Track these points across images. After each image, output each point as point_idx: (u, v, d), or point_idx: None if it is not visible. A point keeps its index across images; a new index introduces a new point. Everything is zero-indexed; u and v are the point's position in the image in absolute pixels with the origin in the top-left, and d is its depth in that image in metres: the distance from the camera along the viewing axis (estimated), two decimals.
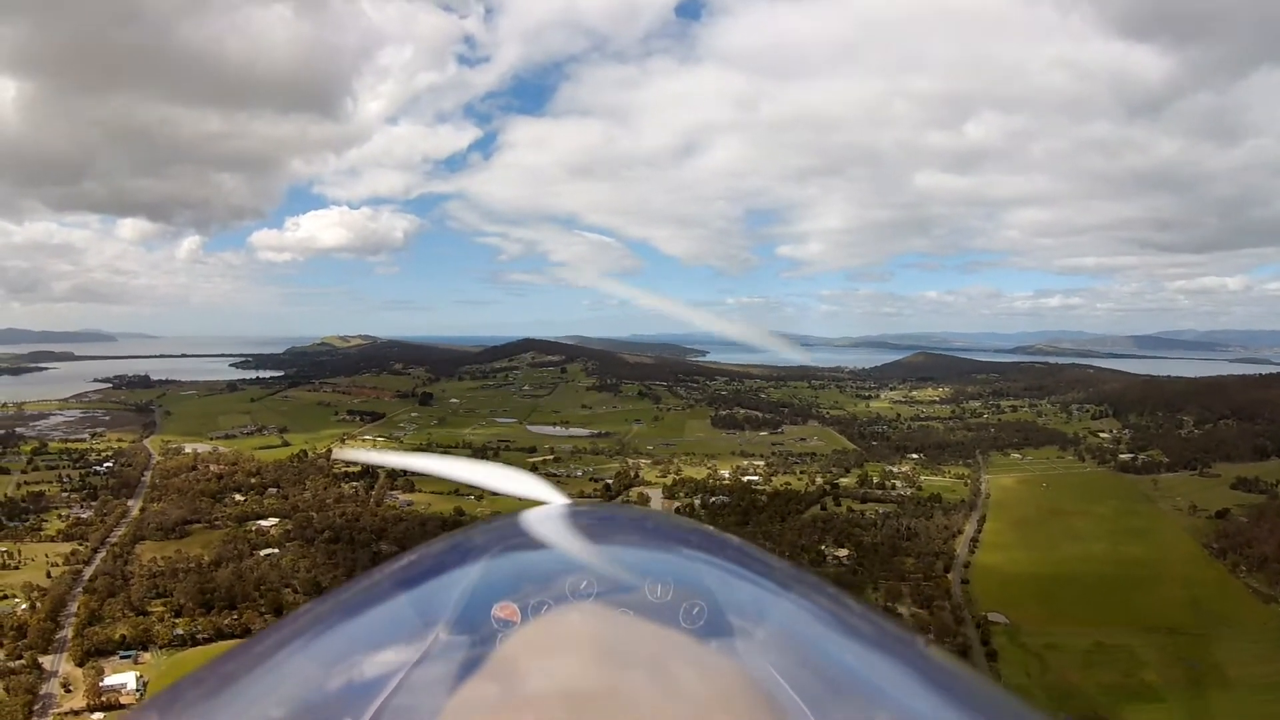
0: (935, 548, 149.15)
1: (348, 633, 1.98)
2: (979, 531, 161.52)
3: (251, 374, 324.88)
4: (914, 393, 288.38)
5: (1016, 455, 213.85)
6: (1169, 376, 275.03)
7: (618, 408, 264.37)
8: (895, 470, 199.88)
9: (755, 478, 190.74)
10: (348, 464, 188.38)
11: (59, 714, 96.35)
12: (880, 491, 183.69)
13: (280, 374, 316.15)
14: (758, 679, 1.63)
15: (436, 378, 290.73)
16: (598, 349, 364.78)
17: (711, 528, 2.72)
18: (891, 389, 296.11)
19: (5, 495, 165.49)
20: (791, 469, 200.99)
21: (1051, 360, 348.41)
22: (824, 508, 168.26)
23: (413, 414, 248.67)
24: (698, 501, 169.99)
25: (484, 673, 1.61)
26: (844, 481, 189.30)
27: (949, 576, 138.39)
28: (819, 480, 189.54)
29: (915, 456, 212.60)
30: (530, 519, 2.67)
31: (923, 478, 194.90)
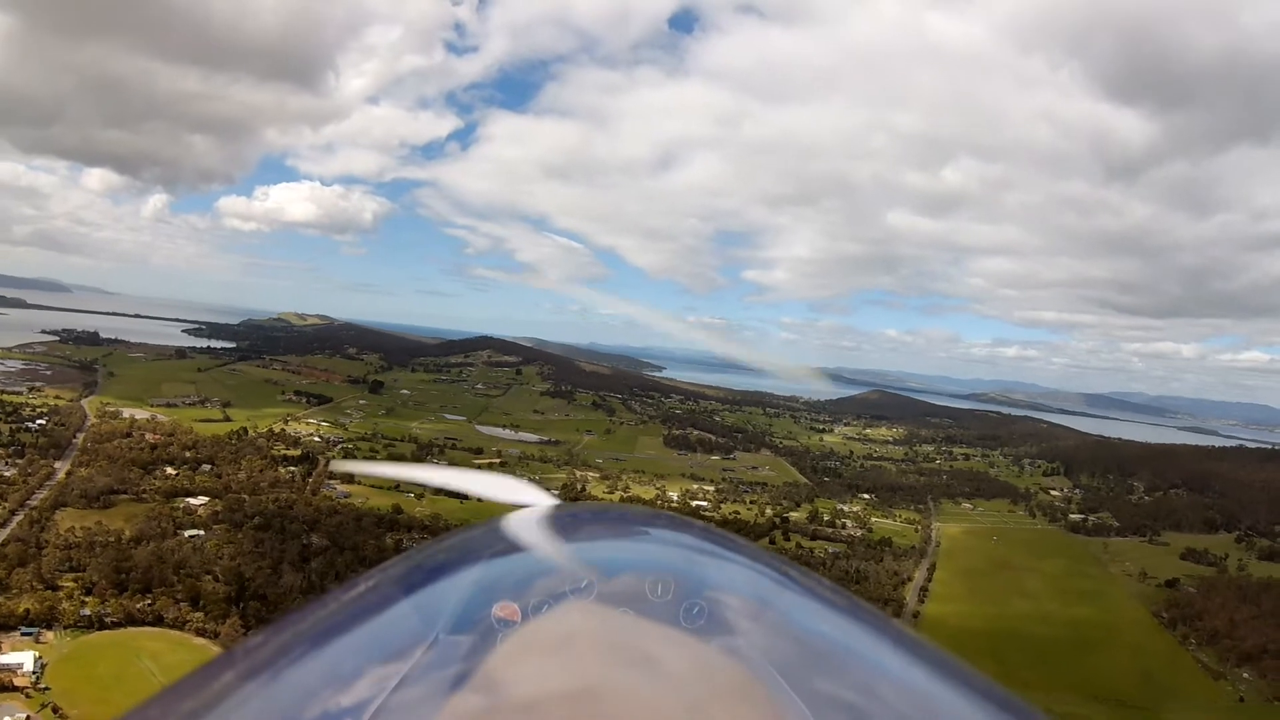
0: (884, 593, 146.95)
1: (348, 633, 1.97)
2: (929, 580, 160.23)
3: (203, 343, 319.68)
4: (868, 430, 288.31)
5: (968, 505, 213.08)
6: (1120, 439, 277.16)
7: (570, 416, 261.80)
8: (846, 509, 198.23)
9: (704, 503, 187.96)
10: (288, 447, 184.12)
11: None
12: (830, 529, 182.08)
13: (232, 345, 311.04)
14: (757, 677, 1.64)
15: (390, 366, 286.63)
16: (555, 353, 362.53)
17: (712, 526, 2.74)
18: (846, 424, 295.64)
19: None
20: (741, 497, 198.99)
21: (1005, 411, 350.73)
22: (773, 541, 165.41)
23: (361, 401, 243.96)
24: None
25: (484, 672, 1.61)
26: (794, 516, 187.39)
27: None
28: (769, 512, 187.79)
29: (866, 497, 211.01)
30: (529, 519, 2.66)
31: (873, 519, 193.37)
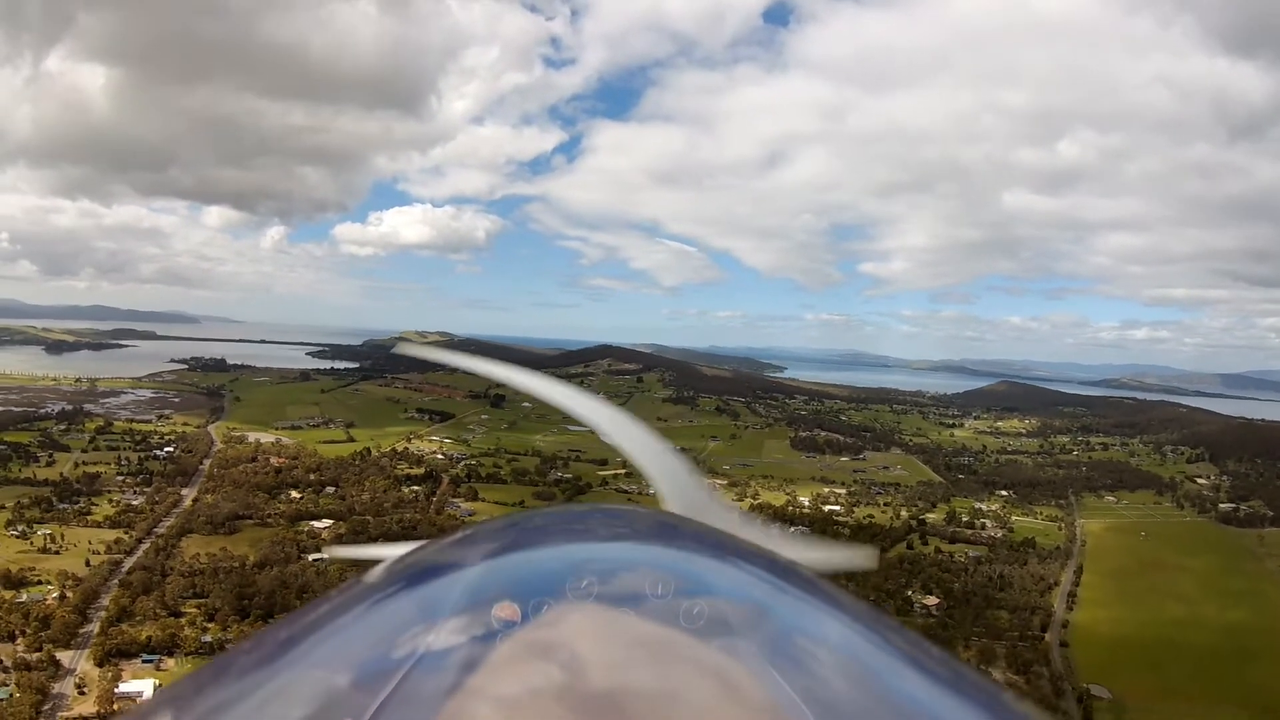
0: (1031, 601, 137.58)
1: (348, 632, 2.00)
2: (1076, 584, 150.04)
3: (327, 364, 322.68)
4: (999, 423, 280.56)
5: (1111, 498, 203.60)
6: (1265, 421, 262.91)
7: (694, 422, 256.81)
8: (984, 508, 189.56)
9: (837, 507, 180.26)
10: (411, 466, 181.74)
11: (66, 718, 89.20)
12: (970, 531, 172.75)
13: (355, 366, 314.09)
14: (758, 679, 1.65)
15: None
16: (675, 359, 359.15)
17: (712, 526, 2.79)
18: (975, 418, 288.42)
19: (60, 475, 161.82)
20: (874, 500, 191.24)
21: (1139, 396, 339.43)
22: (910, 546, 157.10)
23: (483, 416, 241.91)
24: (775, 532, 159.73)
25: (484, 672, 1.64)
26: (931, 517, 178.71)
27: (1047, 638, 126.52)
28: (904, 514, 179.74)
29: (1004, 494, 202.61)
30: (529, 519, 2.73)
31: (1014, 518, 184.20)
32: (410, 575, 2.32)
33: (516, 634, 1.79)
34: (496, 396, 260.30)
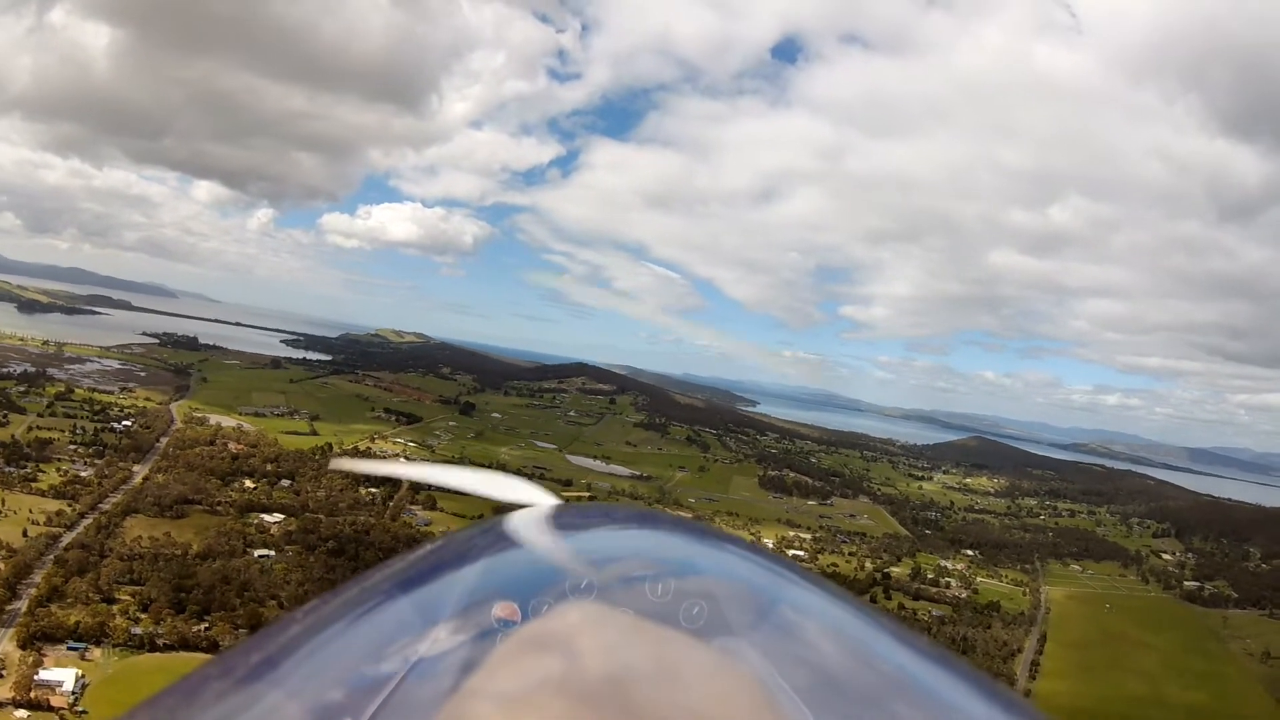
0: (994, 667, 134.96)
1: (348, 633, 1.97)
2: (1039, 652, 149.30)
3: (299, 354, 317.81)
4: (968, 479, 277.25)
5: (1076, 567, 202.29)
6: (1231, 500, 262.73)
7: (663, 450, 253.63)
8: (950, 566, 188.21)
9: (801, 553, 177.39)
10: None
11: None
12: (935, 589, 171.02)
13: (328, 358, 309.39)
14: (758, 678, 1.64)
15: (482, 388, 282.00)
16: (650, 383, 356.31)
17: (712, 526, 2.75)
18: (945, 471, 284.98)
19: (11, 437, 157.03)
20: (840, 548, 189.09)
21: (1108, 464, 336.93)
22: (874, 600, 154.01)
23: (451, 423, 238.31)
24: None
25: (484, 672, 1.61)
26: (895, 571, 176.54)
27: None
28: (869, 565, 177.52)
29: (970, 553, 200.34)
30: (529, 518, 2.67)
31: (979, 579, 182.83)
32: (410, 574, 2.29)
33: (516, 633, 1.78)
34: (466, 404, 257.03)
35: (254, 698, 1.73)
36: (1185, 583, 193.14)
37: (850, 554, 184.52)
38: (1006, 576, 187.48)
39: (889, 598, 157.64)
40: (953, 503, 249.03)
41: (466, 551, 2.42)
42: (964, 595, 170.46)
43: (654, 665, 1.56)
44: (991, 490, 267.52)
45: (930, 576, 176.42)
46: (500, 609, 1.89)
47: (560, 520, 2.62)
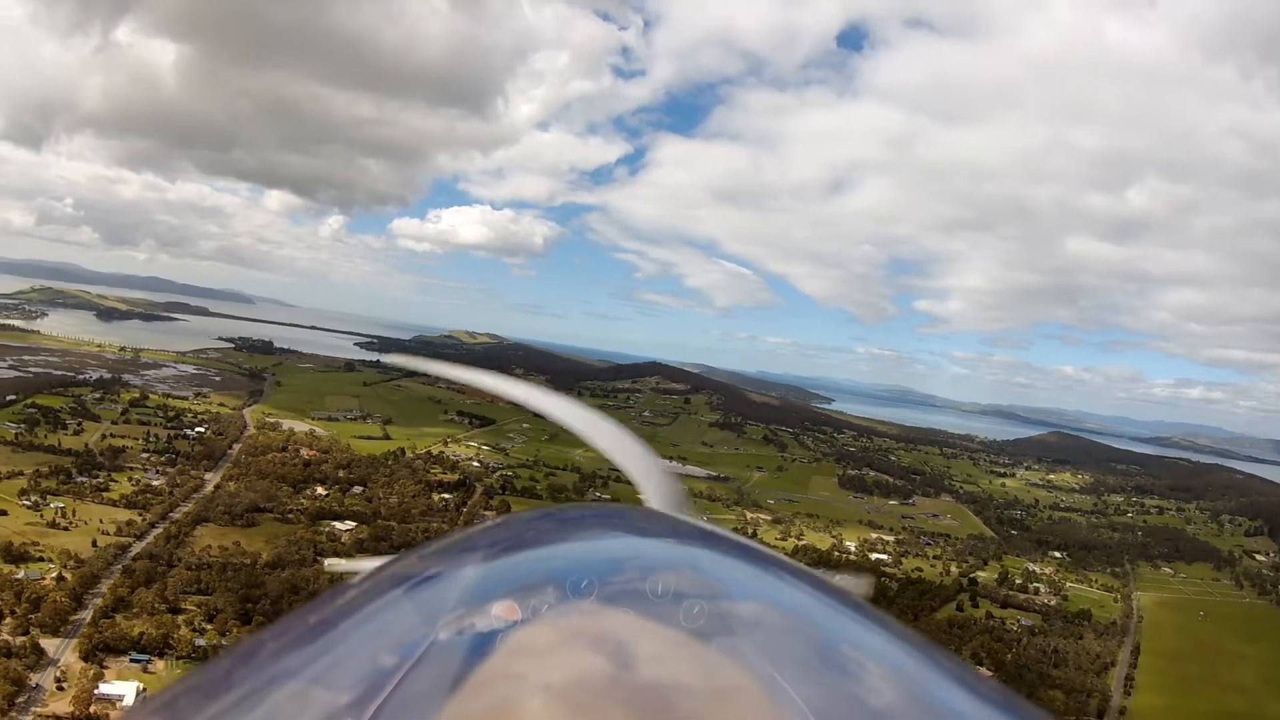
0: (1087, 682, 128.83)
1: (348, 633, 1.99)
2: (1133, 665, 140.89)
3: (373, 357, 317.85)
4: (1051, 475, 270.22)
5: (1168, 570, 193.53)
6: None
7: (739, 450, 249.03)
8: (1037, 570, 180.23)
9: (884, 557, 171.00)
10: (444, 471, 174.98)
11: (38, 715, 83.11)
12: (1023, 595, 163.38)
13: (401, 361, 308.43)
14: (759, 679, 1.65)
15: (556, 388, 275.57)
16: (723, 381, 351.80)
17: (714, 526, 2.79)
18: (1027, 468, 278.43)
19: (85, 446, 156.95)
20: (923, 551, 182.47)
21: (1192, 457, 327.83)
22: (960, 608, 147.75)
23: (525, 424, 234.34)
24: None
25: (484, 672, 1.63)
26: (981, 576, 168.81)
27: None
28: (954, 570, 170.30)
29: (1058, 555, 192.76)
30: (529, 519, 2.71)
31: (1068, 584, 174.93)
32: (411, 574, 2.31)
33: (516, 633, 1.80)
34: None
35: (254, 698, 1.73)
36: None
37: (935, 557, 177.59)
38: (1096, 581, 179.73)
39: (976, 605, 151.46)
40: (1037, 500, 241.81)
41: (466, 552, 2.42)
42: (1053, 602, 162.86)
43: (654, 666, 1.57)
44: (1076, 487, 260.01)
45: (1018, 582, 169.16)
46: (500, 609, 1.89)
47: (559, 520, 2.66)
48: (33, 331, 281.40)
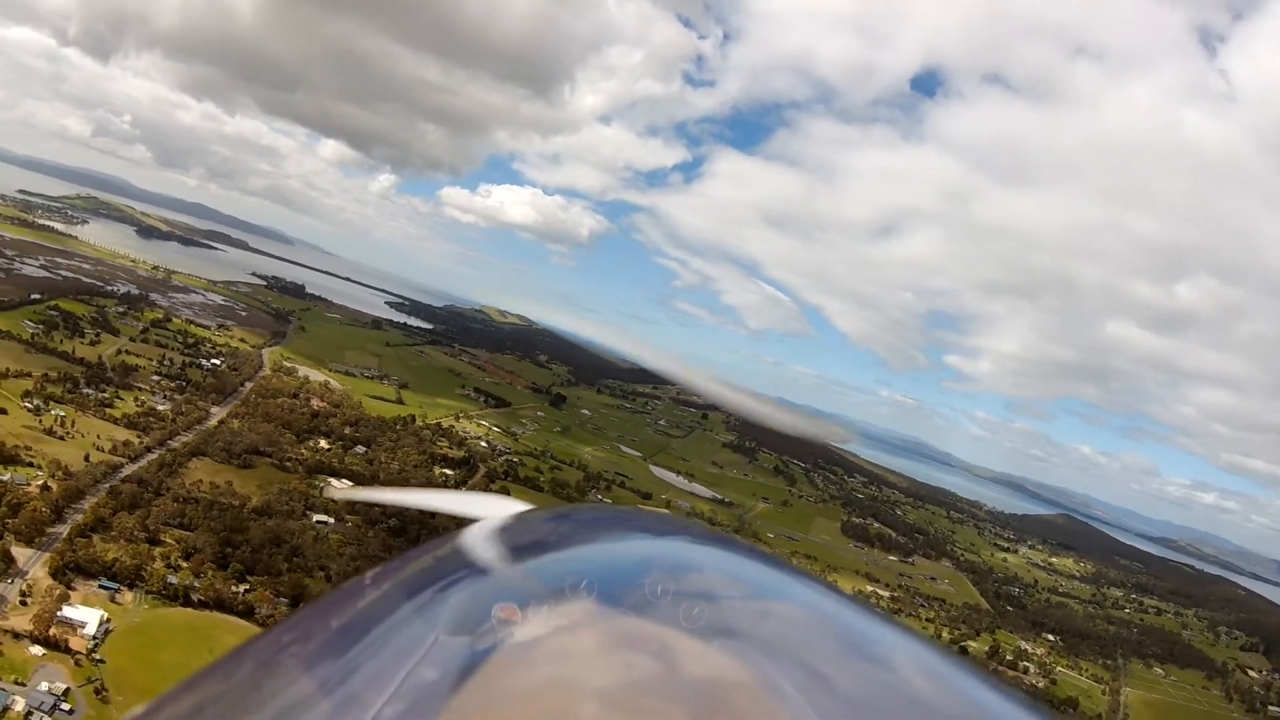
0: None
1: (348, 633, 1.96)
2: None
3: (402, 318, 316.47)
4: (1053, 559, 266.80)
5: (1159, 670, 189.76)
6: None
7: (748, 476, 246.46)
8: (1029, 649, 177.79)
9: None
10: (451, 446, 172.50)
11: None
12: (1012, 673, 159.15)
13: (428, 327, 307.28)
14: (759, 679, 1.64)
15: (576, 381, 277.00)
16: None
17: (713, 527, 2.81)
18: (1031, 546, 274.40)
19: (98, 358, 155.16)
20: (917, 611, 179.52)
21: (1196, 564, 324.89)
22: None
23: (539, 413, 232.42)
24: None
25: (484, 673, 1.62)
26: (973, 646, 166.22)
27: None
28: (945, 635, 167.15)
29: (1051, 638, 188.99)
30: (529, 519, 2.72)
31: (1058, 668, 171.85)
32: (411, 575, 2.32)
33: (516, 633, 1.79)
34: (558, 396, 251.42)
35: (254, 698, 1.74)
36: (1270, 706, 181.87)
37: (928, 620, 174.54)
38: (1086, 670, 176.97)
39: None
40: (1037, 581, 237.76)
41: (466, 552, 2.40)
42: (1041, 684, 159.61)
43: (653, 667, 1.57)
44: (1077, 574, 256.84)
45: (1009, 658, 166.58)
46: (501, 610, 1.88)
47: (560, 521, 2.67)
48: (70, 236, 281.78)
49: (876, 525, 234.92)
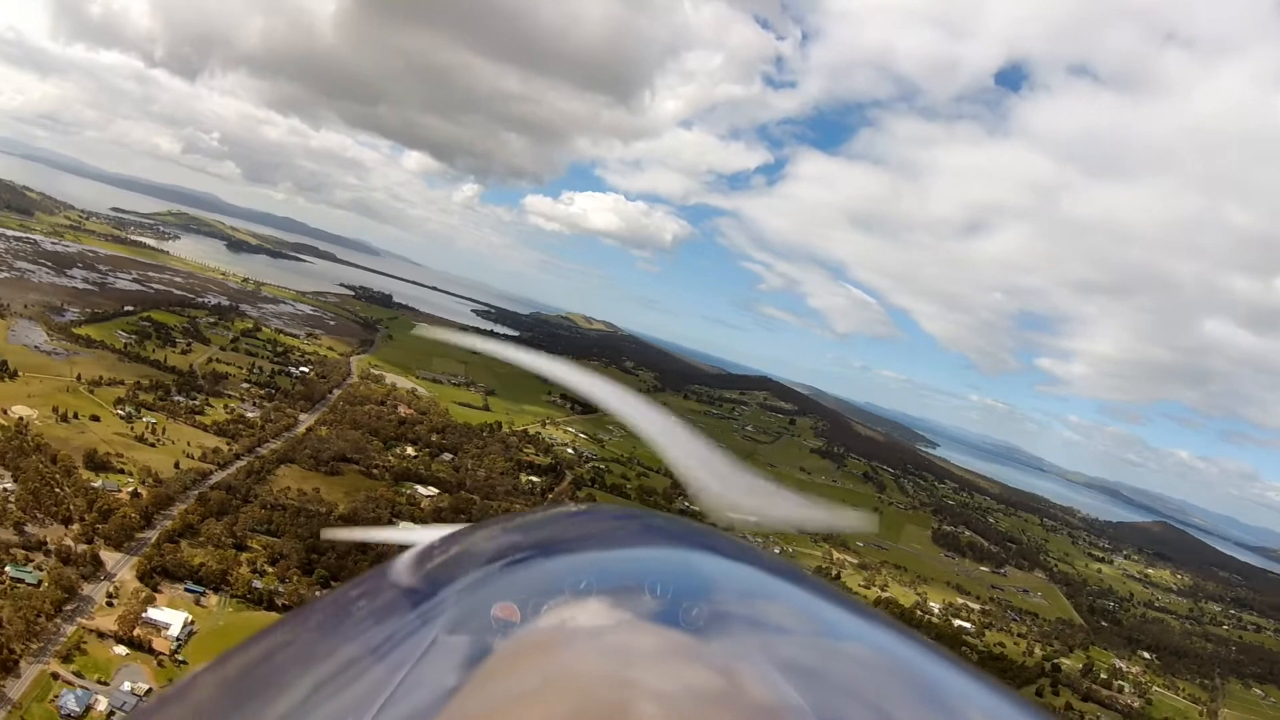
0: None
1: (348, 633, 1.97)
2: None
3: (489, 326, 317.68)
4: (1149, 570, 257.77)
5: (1259, 691, 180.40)
6: None
7: (837, 483, 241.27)
8: (1124, 667, 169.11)
9: (968, 625, 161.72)
10: (537, 453, 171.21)
11: (82, 627, 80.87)
12: (1105, 691, 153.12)
13: (515, 334, 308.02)
14: (759, 680, 1.60)
15: (663, 388, 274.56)
16: (831, 407, 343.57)
17: (713, 528, 2.80)
18: (1126, 557, 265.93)
19: (190, 366, 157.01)
20: (1009, 626, 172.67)
21: None
22: (1040, 693, 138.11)
23: None
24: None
25: (484, 673, 1.61)
26: (1065, 663, 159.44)
27: None
28: (1038, 651, 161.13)
29: (1147, 656, 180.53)
30: (529, 519, 2.71)
31: (1154, 688, 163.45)
32: (411, 575, 2.27)
33: (516, 633, 1.80)
34: None
35: (254, 698, 1.74)
36: None
37: (1019, 635, 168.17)
38: (1184, 690, 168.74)
39: (1056, 693, 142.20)
40: (1132, 594, 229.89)
41: (466, 552, 2.43)
42: (1137, 704, 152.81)
43: (653, 667, 1.56)
44: (1174, 587, 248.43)
45: (1103, 676, 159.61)
46: (500, 609, 1.89)
47: (560, 521, 2.67)
48: (162, 251, 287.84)
49: (968, 533, 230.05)
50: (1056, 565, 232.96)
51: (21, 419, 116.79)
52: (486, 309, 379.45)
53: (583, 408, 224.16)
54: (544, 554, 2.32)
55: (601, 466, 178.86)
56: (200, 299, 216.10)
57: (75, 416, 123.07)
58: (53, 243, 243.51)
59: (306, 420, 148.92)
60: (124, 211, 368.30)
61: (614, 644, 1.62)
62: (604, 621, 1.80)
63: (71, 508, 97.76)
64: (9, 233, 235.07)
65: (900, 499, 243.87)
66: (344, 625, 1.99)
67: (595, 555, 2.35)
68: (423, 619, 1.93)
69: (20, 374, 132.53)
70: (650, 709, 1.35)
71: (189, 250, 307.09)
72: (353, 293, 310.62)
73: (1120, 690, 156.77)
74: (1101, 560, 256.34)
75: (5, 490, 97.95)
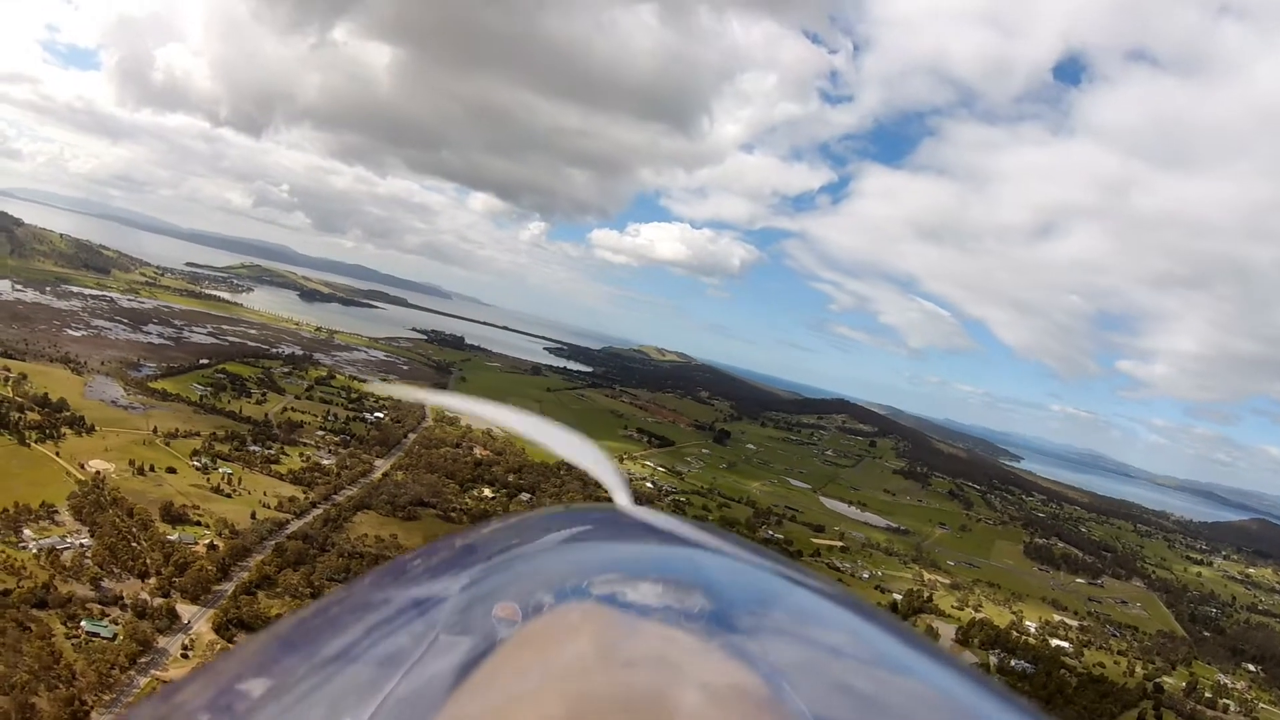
0: None
1: (348, 633, 1.91)
2: None
3: (561, 363, 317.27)
4: (1250, 569, 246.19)
5: None
6: None
7: (923, 502, 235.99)
8: (1229, 683, 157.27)
9: (1066, 644, 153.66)
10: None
11: (155, 679, 79.17)
12: (1210, 712, 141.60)
13: (588, 370, 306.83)
14: (760, 680, 1.60)
15: (739, 416, 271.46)
16: (910, 426, 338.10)
17: (713, 527, 2.59)
18: (1225, 557, 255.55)
19: (265, 416, 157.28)
20: (1108, 643, 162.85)
21: None
22: (1142, 716, 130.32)
23: (704, 450, 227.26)
24: (994, 659, 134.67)
25: (484, 672, 1.61)
26: (1168, 682, 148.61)
27: None
28: (1139, 670, 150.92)
29: (1252, 669, 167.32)
30: (529, 519, 2.68)
31: (1261, 705, 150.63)
32: (411, 574, 2.25)
33: (516, 633, 1.77)
34: (721, 432, 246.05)
35: (254, 697, 1.76)
36: None
37: (1120, 652, 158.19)
38: None
39: (1159, 717, 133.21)
40: (1234, 597, 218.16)
41: (467, 552, 2.35)
42: None
43: (654, 667, 1.57)
44: (1277, 586, 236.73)
45: (1207, 695, 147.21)
46: (500, 609, 1.87)
47: (560, 521, 2.64)
48: (236, 304, 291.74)
49: (1061, 545, 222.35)
50: (1154, 571, 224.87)
51: (99, 473, 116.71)
52: (559, 346, 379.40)
53: (659, 441, 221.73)
54: (544, 554, 2.30)
55: (681, 499, 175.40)
56: (274, 349, 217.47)
57: (151, 469, 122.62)
58: (129, 299, 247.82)
59: (382, 465, 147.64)
60: (198, 266, 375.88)
61: (614, 644, 1.63)
62: (604, 621, 1.78)
63: (148, 561, 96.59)
64: (86, 291, 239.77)
65: (988, 515, 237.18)
66: (345, 624, 1.95)
67: (596, 555, 2.31)
68: (423, 618, 1.91)
69: (97, 428, 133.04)
70: (650, 708, 1.36)
71: (262, 301, 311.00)
72: (425, 337, 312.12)
73: (1226, 710, 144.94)
74: (1200, 563, 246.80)
75: (82, 546, 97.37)
